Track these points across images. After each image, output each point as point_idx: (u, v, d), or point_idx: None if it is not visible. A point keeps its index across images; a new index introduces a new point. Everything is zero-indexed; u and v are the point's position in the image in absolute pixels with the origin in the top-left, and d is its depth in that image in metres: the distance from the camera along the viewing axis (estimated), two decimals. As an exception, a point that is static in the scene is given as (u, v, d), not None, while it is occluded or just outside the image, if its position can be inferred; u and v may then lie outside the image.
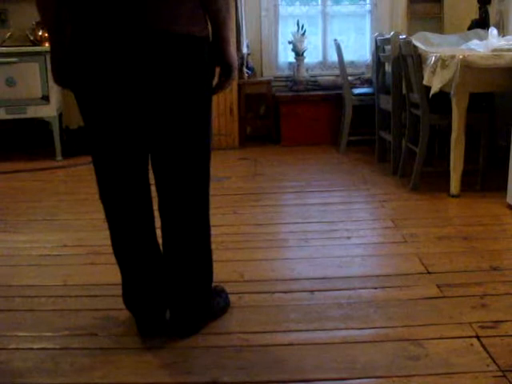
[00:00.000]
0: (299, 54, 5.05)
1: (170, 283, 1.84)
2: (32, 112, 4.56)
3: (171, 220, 1.80)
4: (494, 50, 3.17)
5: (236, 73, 1.78)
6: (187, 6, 1.61)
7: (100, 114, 1.70)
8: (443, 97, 3.22)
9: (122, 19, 1.57)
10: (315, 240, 2.69)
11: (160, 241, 1.87)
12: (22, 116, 4.56)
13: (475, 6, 4.74)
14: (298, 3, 5.34)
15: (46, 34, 4.67)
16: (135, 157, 1.75)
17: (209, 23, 1.70)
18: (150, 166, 1.80)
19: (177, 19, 1.59)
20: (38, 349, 1.80)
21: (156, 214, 1.83)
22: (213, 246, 1.87)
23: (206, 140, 1.77)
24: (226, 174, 3.96)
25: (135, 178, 1.78)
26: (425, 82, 3.26)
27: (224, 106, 4.79)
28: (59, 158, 4.64)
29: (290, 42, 5.07)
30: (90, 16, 1.60)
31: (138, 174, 1.77)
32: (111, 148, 1.73)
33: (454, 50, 3.39)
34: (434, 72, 3.16)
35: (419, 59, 3.36)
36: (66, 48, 1.69)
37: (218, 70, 1.79)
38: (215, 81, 1.79)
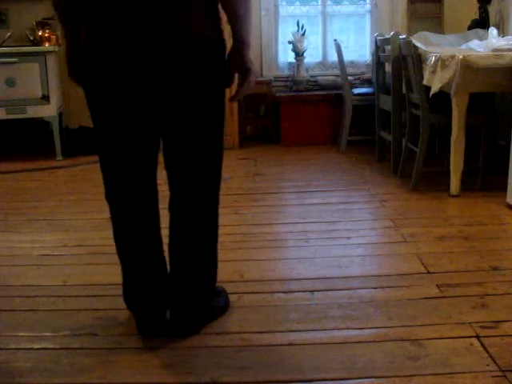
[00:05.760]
0: (299, 54, 5.04)
1: (173, 283, 1.84)
2: (32, 112, 4.56)
3: (181, 218, 1.81)
4: (494, 50, 3.17)
5: (253, 77, 1.76)
6: (204, 7, 1.62)
7: (111, 111, 1.70)
8: (443, 97, 3.22)
9: (137, 18, 1.58)
10: (315, 240, 2.69)
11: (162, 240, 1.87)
12: (22, 116, 4.56)
13: (475, 5, 4.73)
14: (297, 3, 5.34)
15: (47, 34, 4.68)
16: (144, 156, 1.76)
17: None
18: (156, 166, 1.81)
19: (193, 20, 1.61)
20: (37, 349, 1.80)
21: (162, 212, 1.84)
22: (214, 246, 1.87)
23: (218, 140, 1.80)
24: (226, 174, 3.95)
25: (143, 176, 1.79)
26: (425, 82, 3.26)
27: (224, 105, 4.78)
28: (59, 157, 4.63)
29: (289, 42, 5.07)
30: (106, 15, 1.61)
31: (145, 173, 1.79)
32: (121, 146, 1.74)
33: (454, 50, 3.39)
34: (433, 72, 3.16)
35: (419, 59, 3.36)
36: (79, 43, 1.70)
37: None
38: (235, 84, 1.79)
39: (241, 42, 1.69)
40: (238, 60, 1.72)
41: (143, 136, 1.74)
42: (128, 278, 1.87)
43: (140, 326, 1.86)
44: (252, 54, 1.74)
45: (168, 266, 1.88)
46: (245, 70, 1.74)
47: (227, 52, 1.73)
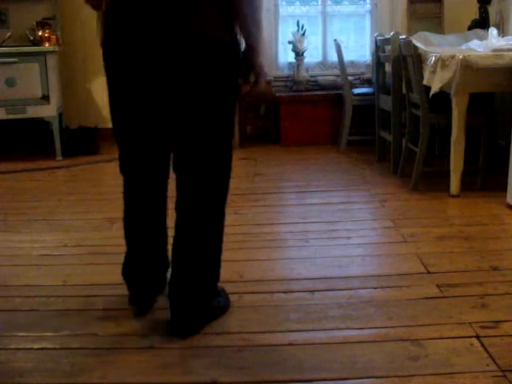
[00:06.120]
0: (299, 54, 5.04)
1: (175, 282, 1.85)
2: (32, 112, 4.56)
3: (188, 219, 1.83)
4: (494, 50, 3.17)
5: (262, 81, 1.79)
6: (217, 12, 1.66)
7: (126, 104, 1.79)
8: (443, 97, 3.22)
9: (151, 21, 1.64)
10: (315, 240, 2.69)
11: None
12: (22, 116, 4.56)
13: (475, 6, 4.74)
14: (297, 3, 5.34)
15: (47, 34, 4.67)
16: (156, 146, 1.85)
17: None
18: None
19: (203, 23, 1.65)
20: (37, 349, 1.80)
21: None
22: (213, 246, 1.88)
23: (226, 142, 1.82)
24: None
25: (156, 163, 1.88)
26: (425, 82, 3.26)
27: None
28: (59, 157, 4.63)
29: (289, 42, 5.07)
30: (124, 18, 1.68)
31: (159, 159, 1.87)
32: (135, 141, 1.84)
33: (454, 50, 3.39)
34: (433, 72, 3.16)
35: (419, 59, 3.36)
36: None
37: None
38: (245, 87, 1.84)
39: (251, 49, 1.73)
40: (249, 65, 1.76)
41: (155, 128, 1.81)
42: (129, 253, 1.97)
43: (132, 297, 1.97)
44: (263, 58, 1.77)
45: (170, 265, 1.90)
46: (254, 75, 1.77)
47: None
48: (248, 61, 1.76)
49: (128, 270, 1.99)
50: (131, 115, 1.79)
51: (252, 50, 1.74)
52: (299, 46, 5.01)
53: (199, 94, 1.71)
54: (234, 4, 1.66)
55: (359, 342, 1.77)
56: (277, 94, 5.05)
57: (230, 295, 2.04)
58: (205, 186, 1.81)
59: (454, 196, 3.28)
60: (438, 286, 2.13)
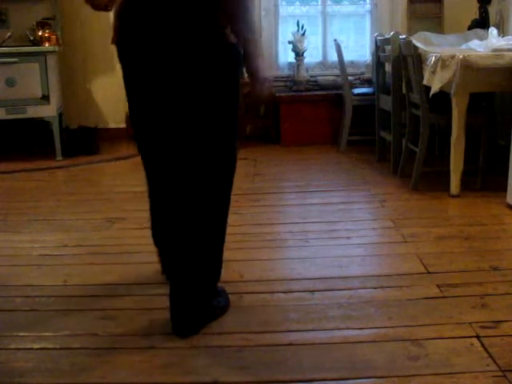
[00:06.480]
0: (299, 54, 5.04)
1: (175, 282, 1.85)
2: (32, 112, 4.56)
3: (190, 217, 1.84)
4: (494, 50, 3.17)
5: (261, 84, 1.80)
6: (217, 16, 1.70)
7: (139, 100, 1.85)
8: (443, 97, 3.22)
9: (160, 23, 1.70)
10: (315, 240, 2.69)
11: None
12: (22, 116, 4.56)
13: (475, 6, 4.74)
14: (297, 3, 5.34)
15: (47, 34, 4.67)
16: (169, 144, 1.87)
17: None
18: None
19: (206, 26, 1.69)
20: (38, 349, 1.80)
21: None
22: (213, 246, 1.87)
23: (229, 143, 1.83)
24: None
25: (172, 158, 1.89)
26: (425, 82, 3.26)
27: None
28: (59, 157, 4.63)
29: (289, 42, 5.07)
30: (133, 23, 1.74)
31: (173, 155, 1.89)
32: (148, 133, 1.89)
33: (454, 50, 3.39)
34: (433, 72, 3.16)
35: (419, 59, 3.36)
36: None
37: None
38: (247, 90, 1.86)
39: (248, 53, 1.75)
40: (248, 68, 1.78)
41: (168, 129, 1.83)
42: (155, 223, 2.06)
43: (164, 267, 2.06)
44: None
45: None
46: (254, 79, 1.79)
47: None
48: (246, 64, 1.78)
49: (158, 239, 2.08)
50: (145, 112, 1.83)
51: (248, 54, 1.76)
52: (299, 45, 5.01)
53: (200, 93, 1.74)
54: (228, 13, 1.69)
55: (359, 342, 1.77)
56: (277, 94, 5.04)
57: (230, 295, 2.04)
58: (208, 186, 1.81)
59: (453, 196, 3.28)
60: (438, 285, 2.13)
